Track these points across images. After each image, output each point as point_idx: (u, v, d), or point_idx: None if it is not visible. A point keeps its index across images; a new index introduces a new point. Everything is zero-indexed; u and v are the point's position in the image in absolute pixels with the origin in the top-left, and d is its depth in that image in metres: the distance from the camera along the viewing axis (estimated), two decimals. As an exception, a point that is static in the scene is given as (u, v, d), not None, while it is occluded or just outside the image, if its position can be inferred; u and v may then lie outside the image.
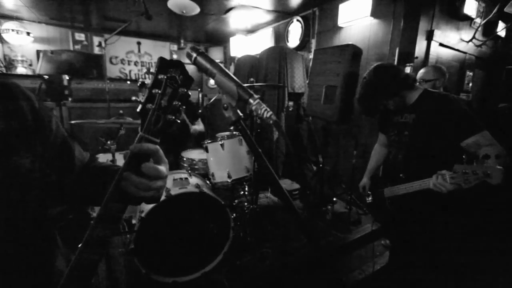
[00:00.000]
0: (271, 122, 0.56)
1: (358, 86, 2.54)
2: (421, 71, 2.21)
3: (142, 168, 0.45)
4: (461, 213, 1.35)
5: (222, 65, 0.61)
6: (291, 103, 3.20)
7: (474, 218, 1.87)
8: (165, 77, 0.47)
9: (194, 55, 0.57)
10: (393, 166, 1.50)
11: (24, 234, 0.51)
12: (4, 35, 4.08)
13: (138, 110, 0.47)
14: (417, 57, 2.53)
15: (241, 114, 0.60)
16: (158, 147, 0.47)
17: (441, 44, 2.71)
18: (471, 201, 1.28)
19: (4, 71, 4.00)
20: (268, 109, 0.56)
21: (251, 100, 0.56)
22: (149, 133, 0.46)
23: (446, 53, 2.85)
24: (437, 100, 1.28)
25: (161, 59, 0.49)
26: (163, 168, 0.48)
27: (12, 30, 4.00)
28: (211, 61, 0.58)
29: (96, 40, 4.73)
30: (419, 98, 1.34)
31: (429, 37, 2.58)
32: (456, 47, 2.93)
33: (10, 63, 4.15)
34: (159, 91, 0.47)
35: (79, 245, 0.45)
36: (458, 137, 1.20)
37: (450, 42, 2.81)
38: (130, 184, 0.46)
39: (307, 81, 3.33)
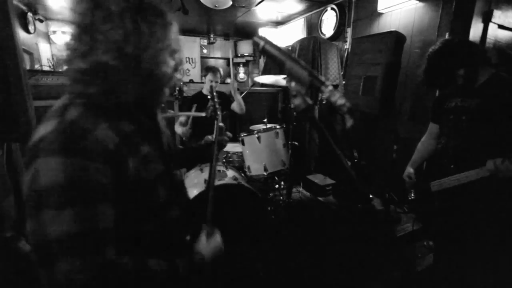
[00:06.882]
0: (345, 109, 0.54)
1: (400, 76, 2.38)
2: None
3: None
4: None
5: (289, 52, 0.59)
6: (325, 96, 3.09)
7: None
8: None
9: (262, 43, 0.56)
10: (441, 156, 1.37)
11: None
12: (52, 36, 4.45)
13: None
14: (471, 42, 2.28)
15: (310, 101, 0.57)
16: None
17: (500, 26, 2.40)
18: None
19: (53, 70, 4.37)
20: (343, 96, 0.54)
21: (323, 88, 0.54)
22: None
23: (506, 36, 2.53)
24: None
25: None
26: None
27: (60, 31, 4.34)
28: (279, 49, 0.57)
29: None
30: (487, 80, 1.20)
31: (487, 18, 2.30)
32: (519, 29, 2.59)
33: (57, 62, 4.53)
34: None
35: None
36: None
37: None
38: None
39: (342, 72, 3.19)
